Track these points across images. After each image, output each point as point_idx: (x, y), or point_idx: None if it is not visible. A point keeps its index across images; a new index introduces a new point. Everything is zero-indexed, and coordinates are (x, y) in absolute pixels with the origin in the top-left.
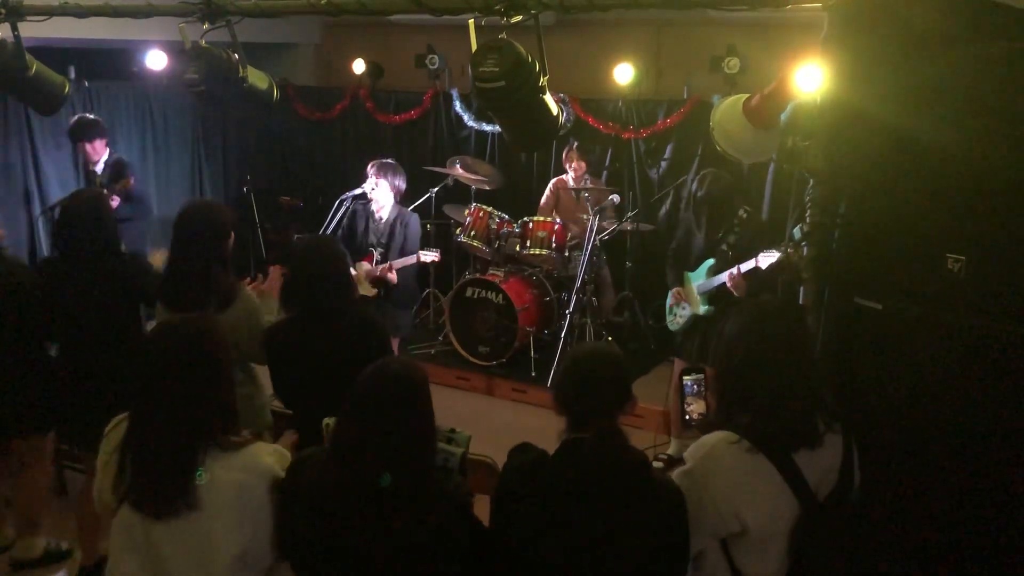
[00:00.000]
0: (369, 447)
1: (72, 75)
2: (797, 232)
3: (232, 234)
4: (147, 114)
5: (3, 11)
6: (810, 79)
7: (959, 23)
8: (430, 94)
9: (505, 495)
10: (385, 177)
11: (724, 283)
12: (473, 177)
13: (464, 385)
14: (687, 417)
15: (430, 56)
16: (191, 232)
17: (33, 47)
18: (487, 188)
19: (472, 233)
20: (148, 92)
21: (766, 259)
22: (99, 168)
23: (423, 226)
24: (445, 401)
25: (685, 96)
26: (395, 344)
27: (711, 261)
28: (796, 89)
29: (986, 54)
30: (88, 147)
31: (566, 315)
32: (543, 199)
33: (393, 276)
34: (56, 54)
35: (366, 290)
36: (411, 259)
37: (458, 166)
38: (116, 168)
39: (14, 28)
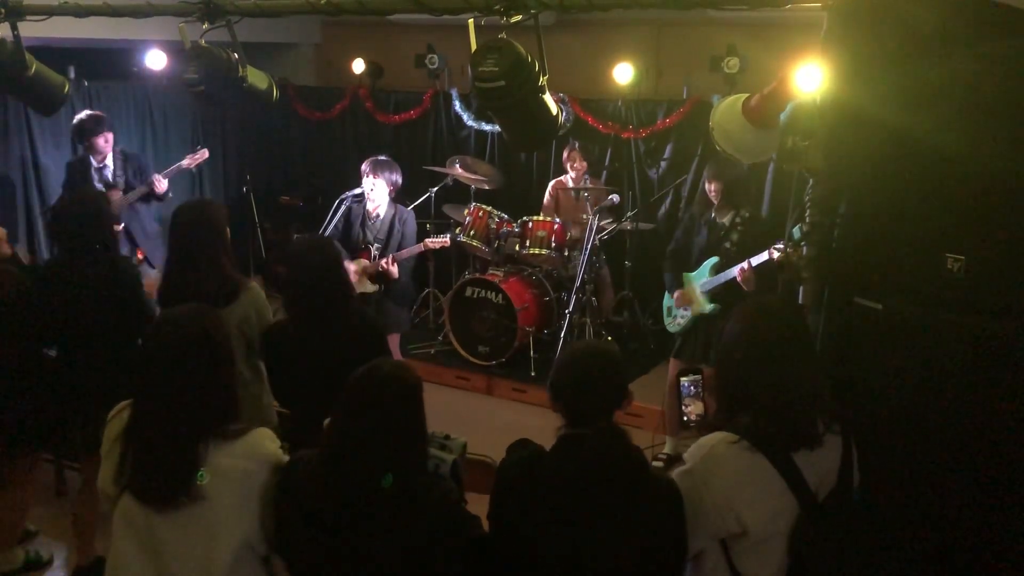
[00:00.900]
0: (360, 448)
1: (72, 75)
2: (797, 232)
3: (227, 229)
4: (147, 114)
5: (3, 11)
6: (810, 79)
7: (959, 23)
8: (430, 94)
9: (503, 489)
10: (381, 175)
11: (730, 280)
12: (473, 177)
13: (464, 385)
14: (685, 418)
15: (430, 56)
16: (186, 234)
17: (33, 47)
18: (487, 188)
19: (472, 233)
20: (148, 92)
21: (779, 252)
22: (108, 162)
23: (423, 226)
24: (445, 401)
25: (685, 96)
26: (395, 341)
27: (715, 259)
28: (796, 89)
29: (986, 54)
30: (101, 140)
31: (566, 315)
32: (544, 203)
33: (395, 270)
34: (56, 54)
35: (365, 288)
36: (417, 248)
37: (458, 166)
38: (131, 163)
39: (14, 28)
